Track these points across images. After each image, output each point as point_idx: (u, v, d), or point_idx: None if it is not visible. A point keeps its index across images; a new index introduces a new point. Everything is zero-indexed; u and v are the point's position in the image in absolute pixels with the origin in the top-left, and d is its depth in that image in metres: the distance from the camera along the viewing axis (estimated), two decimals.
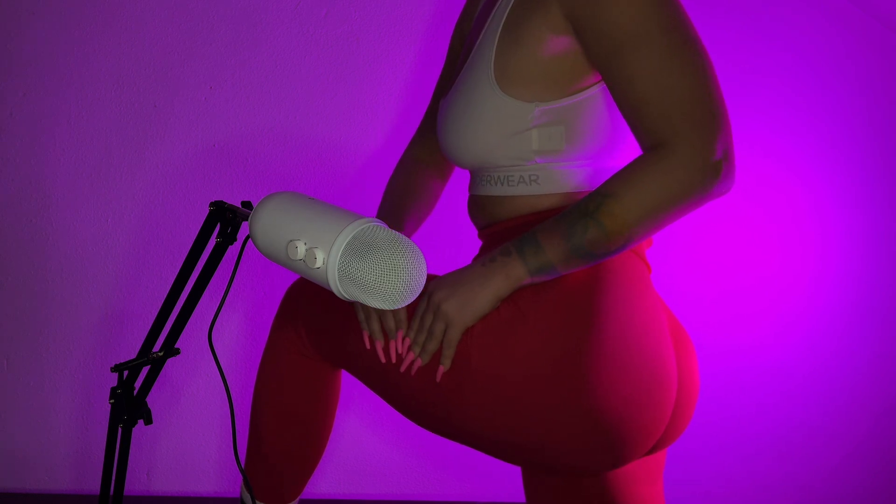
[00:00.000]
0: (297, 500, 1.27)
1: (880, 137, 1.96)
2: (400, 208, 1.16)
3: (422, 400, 0.98)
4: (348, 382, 1.91)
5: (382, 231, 0.82)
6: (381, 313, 0.99)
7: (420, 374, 0.97)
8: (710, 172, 0.85)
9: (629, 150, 1.04)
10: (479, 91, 0.99)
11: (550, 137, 0.98)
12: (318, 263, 0.82)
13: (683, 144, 0.85)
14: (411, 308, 1.00)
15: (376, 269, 0.79)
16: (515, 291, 0.94)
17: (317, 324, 1.10)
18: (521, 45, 0.96)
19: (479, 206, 1.08)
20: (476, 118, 0.99)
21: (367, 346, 1.01)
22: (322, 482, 1.92)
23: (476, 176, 1.08)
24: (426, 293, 0.96)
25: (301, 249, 0.83)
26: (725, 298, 1.96)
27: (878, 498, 2.04)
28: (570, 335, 0.90)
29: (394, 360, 0.99)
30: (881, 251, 1.98)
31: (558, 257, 0.90)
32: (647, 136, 0.89)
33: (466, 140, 1.01)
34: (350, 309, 1.06)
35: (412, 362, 0.97)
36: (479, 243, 1.18)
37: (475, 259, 1.07)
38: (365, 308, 1.00)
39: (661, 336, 0.95)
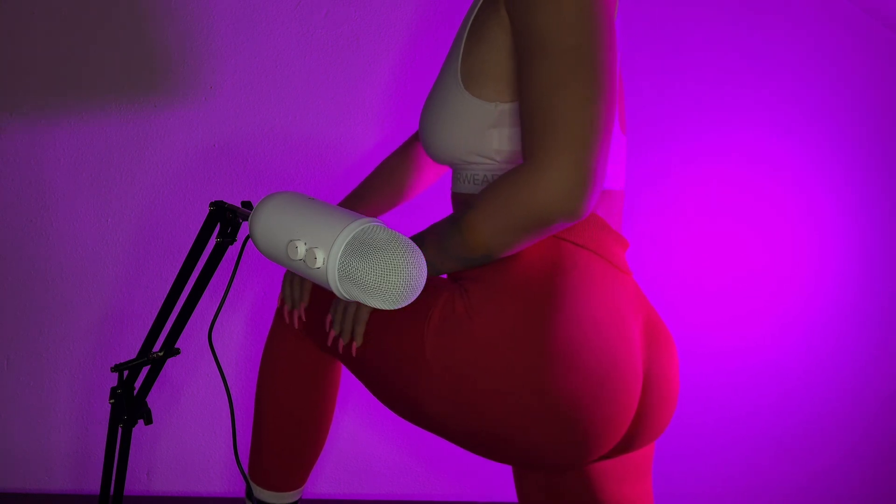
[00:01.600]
0: (301, 490, 1.28)
1: (880, 137, 1.96)
2: (371, 185, 1.26)
3: (390, 388, 1.00)
4: (349, 382, 1.91)
5: (383, 231, 0.82)
6: (293, 285, 1.13)
7: (381, 362, 1.01)
8: (560, 195, 0.86)
9: None
10: (448, 91, 1.02)
11: (510, 138, 0.99)
12: (318, 263, 0.82)
13: (540, 164, 0.86)
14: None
15: (376, 269, 0.79)
16: (470, 286, 0.96)
17: (315, 318, 1.12)
18: (481, 45, 0.98)
19: (454, 203, 1.12)
20: (444, 116, 1.02)
21: (278, 304, 1.19)
22: (322, 482, 1.93)
23: (452, 173, 1.11)
24: None
25: (301, 249, 0.83)
26: (722, 299, 1.96)
27: (874, 498, 2.04)
28: (522, 330, 0.91)
29: (296, 326, 1.16)
30: (880, 252, 1.98)
31: (436, 258, 0.96)
32: (522, 147, 0.91)
33: (436, 137, 1.04)
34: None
35: (335, 338, 1.06)
36: None
37: None
38: (289, 278, 1.14)
39: (621, 333, 0.95)
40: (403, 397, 0.98)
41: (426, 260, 0.97)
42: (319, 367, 1.20)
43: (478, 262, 0.94)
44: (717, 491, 2.00)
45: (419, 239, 0.99)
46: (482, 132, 0.99)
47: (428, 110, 1.05)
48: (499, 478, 1.96)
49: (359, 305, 1.01)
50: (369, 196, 1.27)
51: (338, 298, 1.04)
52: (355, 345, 1.03)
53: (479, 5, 1.01)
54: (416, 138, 1.31)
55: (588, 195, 0.87)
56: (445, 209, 1.88)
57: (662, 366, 1.01)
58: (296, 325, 1.15)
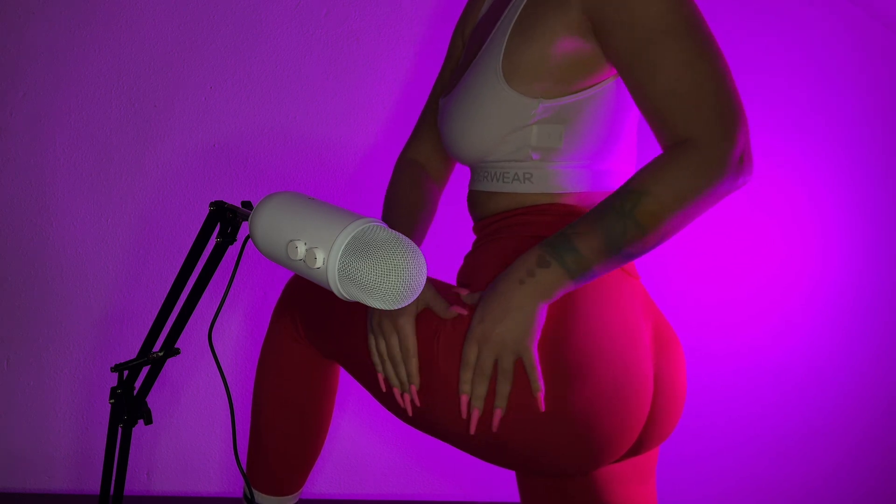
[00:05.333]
0: (299, 493, 1.27)
1: (880, 137, 1.96)
2: (411, 223, 1.13)
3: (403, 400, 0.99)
4: (348, 383, 1.91)
5: (382, 231, 0.82)
6: (393, 358, 0.96)
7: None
8: (735, 165, 0.86)
9: (624, 153, 1.05)
10: (485, 85, 1.00)
11: (549, 135, 0.99)
12: (319, 263, 0.82)
13: (709, 138, 0.86)
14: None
15: (376, 269, 0.79)
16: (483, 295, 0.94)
17: (313, 318, 1.11)
18: (532, 42, 0.97)
19: (474, 201, 1.10)
20: (480, 112, 1.00)
21: (384, 388, 0.99)
22: (322, 482, 1.92)
23: (475, 171, 1.09)
24: (471, 337, 0.91)
25: (301, 249, 0.83)
26: (725, 300, 1.96)
27: (876, 498, 2.04)
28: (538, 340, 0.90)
29: (410, 412, 0.97)
30: (881, 252, 1.98)
31: (598, 261, 0.89)
32: (671, 131, 0.89)
33: (469, 134, 1.02)
34: (345, 307, 1.06)
35: (490, 416, 0.91)
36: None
37: (468, 256, 1.09)
38: (379, 349, 0.98)
39: (634, 340, 0.95)
40: (417, 410, 0.97)
41: (583, 268, 0.88)
42: (318, 371, 1.19)
43: (640, 256, 0.90)
44: (719, 492, 2.00)
45: (565, 248, 0.89)
46: (521, 128, 0.99)
47: (457, 107, 1.03)
48: (498, 478, 1.96)
49: (520, 353, 0.89)
50: (414, 236, 1.13)
51: (465, 368, 0.91)
52: (541, 395, 0.89)
53: (524, 1, 1.00)
54: (414, 160, 1.24)
55: (753, 163, 0.89)
56: (447, 210, 1.88)
57: (671, 370, 1.01)
58: (409, 412, 0.97)
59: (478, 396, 0.90)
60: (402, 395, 0.97)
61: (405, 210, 1.14)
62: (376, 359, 0.98)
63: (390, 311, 0.96)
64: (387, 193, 1.20)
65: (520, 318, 0.89)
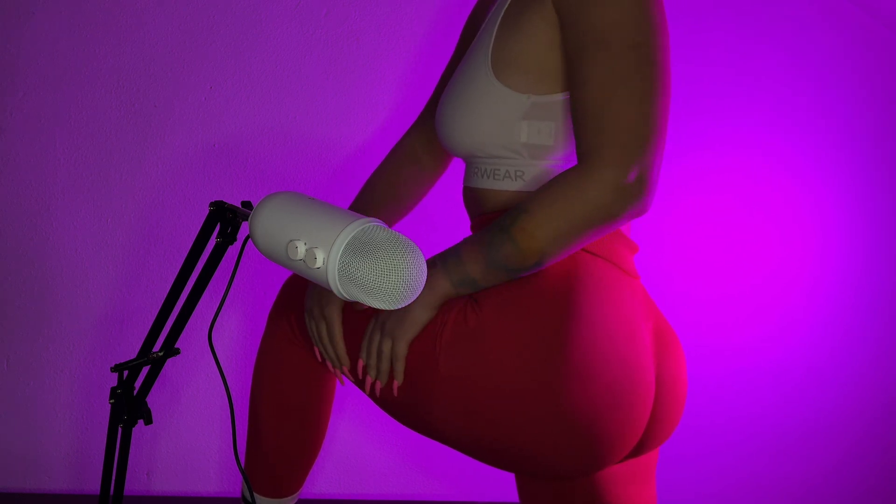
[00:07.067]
0: (297, 494, 1.27)
1: (880, 137, 1.96)
2: (371, 204, 1.18)
3: (401, 403, 0.99)
4: (347, 383, 1.91)
5: (382, 231, 0.82)
6: (323, 341, 1.05)
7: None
8: (621, 194, 0.85)
9: None
10: (475, 78, 1.00)
11: (540, 132, 0.98)
12: (318, 263, 0.82)
13: (599, 163, 0.86)
14: (356, 336, 1.03)
15: (376, 269, 0.79)
16: (484, 300, 0.95)
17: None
18: (517, 35, 0.97)
19: (468, 198, 1.10)
20: (470, 105, 1.00)
21: (319, 358, 1.09)
22: (321, 482, 1.93)
23: (468, 167, 1.09)
24: (375, 315, 1.00)
25: (301, 249, 0.83)
26: (725, 299, 1.96)
27: (877, 496, 2.04)
28: (538, 342, 0.90)
29: (342, 383, 1.12)
30: (881, 252, 1.98)
31: (477, 271, 0.92)
32: (577, 147, 0.90)
33: (460, 126, 1.02)
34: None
35: (372, 384, 1.00)
36: None
37: None
38: (311, 331, 1.06)
39: (635, 342, 0.95)
40: (416, 411, 0.97)
41: (462, 276, 0.93)
42: (315, 372, 1.19)
43: (526, 272, 0.92)
44: (719, 491, 2.00)
45: (452, 254, 0.94)
46: (511, 123, 0.98)
47: (449, 99, 1.04)
48: (498, 478, 1.96)
49: (392, 342, 0.96)
50: (375, 214, 1.20)
51: (364, 339, 1.00)
52: (396, 384, 0.98)
53: None
54: (407, 144, 1.26)
55: (648, 194, 0.87)
56: (441, 206, 1.88)
57: (671, 370, 1.01)
58: (342, 383, 1.13)
59: (370, 366, 0.99)
60: (334, 369, 1.06)
61: (371, 192, 1.19)
62: (312, 337, 1.07)
63: (319, 299, 1.03)
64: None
65: (401, 310, 0.95)
